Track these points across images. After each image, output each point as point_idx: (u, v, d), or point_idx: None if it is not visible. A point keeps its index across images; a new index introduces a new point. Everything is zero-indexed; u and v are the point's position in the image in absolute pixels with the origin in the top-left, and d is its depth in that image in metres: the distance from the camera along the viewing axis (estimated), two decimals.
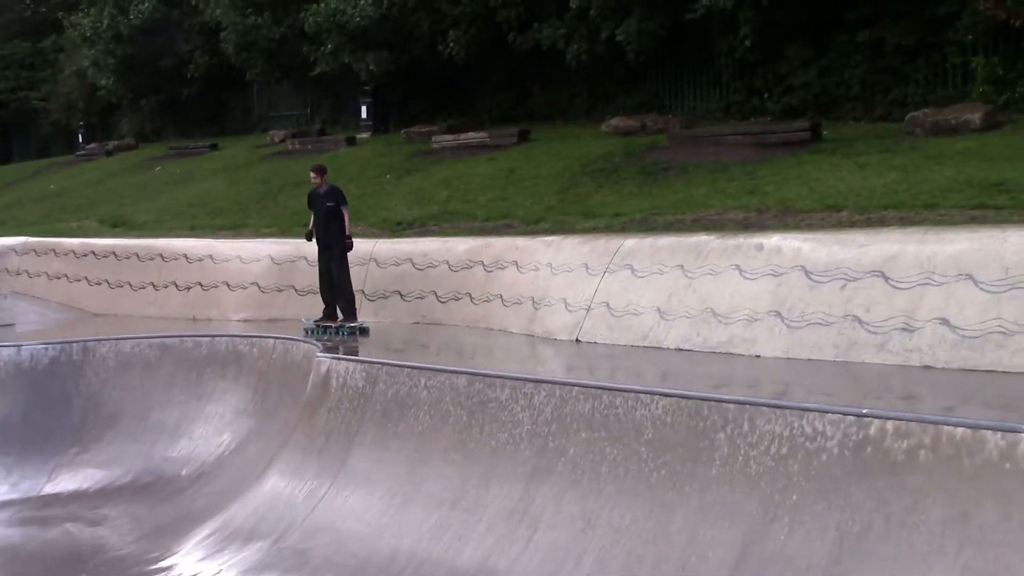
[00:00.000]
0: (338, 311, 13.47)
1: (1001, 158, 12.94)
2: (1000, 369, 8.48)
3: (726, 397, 7.82)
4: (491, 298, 13.48)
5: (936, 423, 6.62)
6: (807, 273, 10.11)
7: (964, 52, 16.54)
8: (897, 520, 6.48)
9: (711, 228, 12.47)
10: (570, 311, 12.09)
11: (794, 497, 6.99)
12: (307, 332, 13.32)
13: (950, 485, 6.35)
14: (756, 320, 10.26)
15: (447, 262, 14.21)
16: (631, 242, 12.13)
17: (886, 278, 9.52)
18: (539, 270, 12.90)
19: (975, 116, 15.04)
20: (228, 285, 16.27)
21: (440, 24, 23.37)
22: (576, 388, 8.76)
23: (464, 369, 9.95)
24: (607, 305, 11.69)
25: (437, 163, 20.58)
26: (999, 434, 6.28)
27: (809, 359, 9.67)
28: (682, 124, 19.59)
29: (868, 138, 15.77)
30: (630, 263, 11.76)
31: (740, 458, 7.39)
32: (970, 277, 8.99)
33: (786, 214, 12.62)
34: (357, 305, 13.72)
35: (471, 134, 22.09)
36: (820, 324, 9.76)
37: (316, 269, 13.81)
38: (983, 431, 6.37)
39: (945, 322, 8.96)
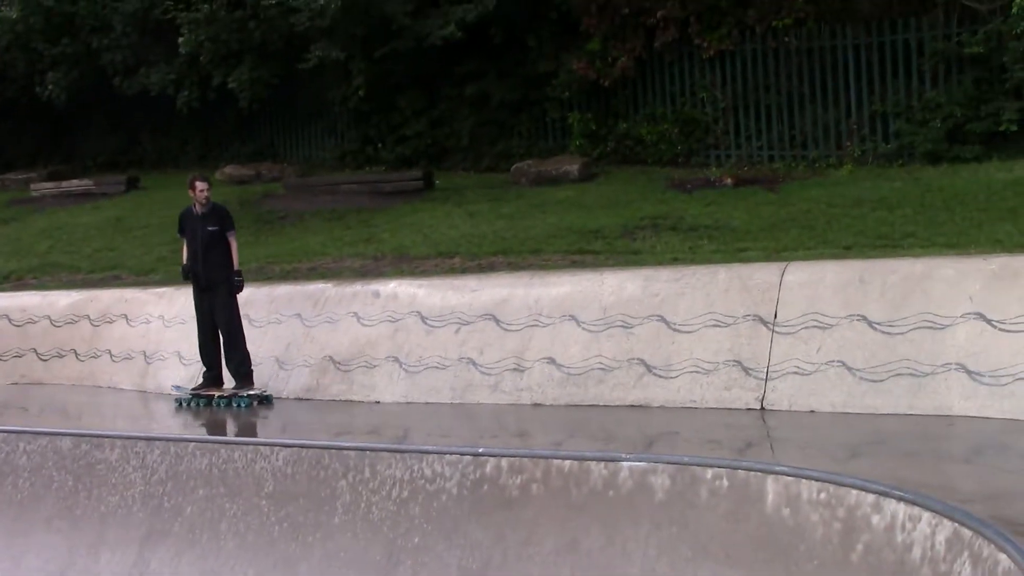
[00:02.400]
0: (225, 375, 10.66)
1: (596, 206, 13.92)
2: (602, 403, 9.04)
3: (346, 444, 7.84)
4: (99, 354, 12.72)
5: (547, 457, 6.95)
6: (423, 318, 10.34)
7: (562, 108, 17.62)
8: (514, 553, 6.72)
9: (329, 276, 12.49)
10: (185, 364, 11.65)
11: (416, 539, 7.09)
12: (180, 405, 10.59)
13: (560, 515, 6.68)
14: (375, 366, 10.35)
15: (48, 317, 13.29)
16: (247, 291, 11.88)
17: (497, 321, 9.92)
18: (151, 323, 12.36)
19: (573, 167, 16.10)
20: None
21: (38, 64, 22.01)
22: (192, 444, 8.45)
23: (68, 431, 9.33)
24: None
25: (37, 212, 19.36)
26: (602, 464, 6.68)
27: (428, 402, 9.87)
28: (298, 172, 19.58)
29: (478, 187, 16.46)
30: (247, 313, 11.48)
31: (363, 504, 7.41)
32: (573, 318, 9.55)
33: (402, 261, 12.88)
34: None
35: (75, 181, 20.96)
36: (437, 368, 10.00)
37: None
38: (588, 462, 6.75)
39: (552, 361, 9.45)
